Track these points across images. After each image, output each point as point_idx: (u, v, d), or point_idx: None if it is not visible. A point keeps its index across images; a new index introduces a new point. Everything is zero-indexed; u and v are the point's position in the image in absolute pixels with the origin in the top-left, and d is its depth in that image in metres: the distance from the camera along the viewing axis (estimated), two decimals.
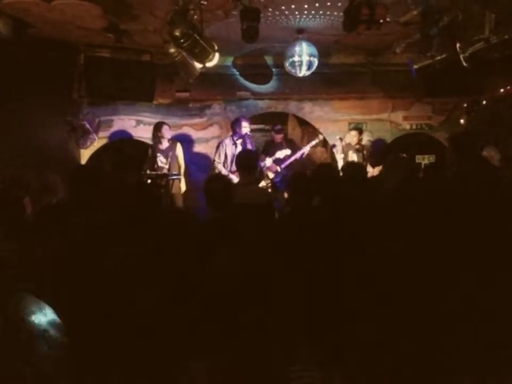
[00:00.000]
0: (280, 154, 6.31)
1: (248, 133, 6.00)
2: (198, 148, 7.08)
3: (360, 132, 6.72)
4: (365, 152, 6.55)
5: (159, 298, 2.19)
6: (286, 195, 5.54)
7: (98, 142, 6.70)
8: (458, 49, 4.62)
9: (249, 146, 5.95)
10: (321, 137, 6.71)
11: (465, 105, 7.17)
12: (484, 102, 6.79)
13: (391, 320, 2.27)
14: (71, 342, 1.73)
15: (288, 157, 6.35)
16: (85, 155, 6.65)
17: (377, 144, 7.02)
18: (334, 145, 6.95)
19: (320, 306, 2.42)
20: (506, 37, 4.15)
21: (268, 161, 6.23)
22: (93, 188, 2.86)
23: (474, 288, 2.26)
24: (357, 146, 6.62)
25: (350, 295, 2.38)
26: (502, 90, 6.41)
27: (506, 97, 6.44)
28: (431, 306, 2.25)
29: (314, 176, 3.32)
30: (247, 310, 2.33)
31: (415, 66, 5.47)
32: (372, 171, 6.28)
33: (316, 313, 2.41)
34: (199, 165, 6.92)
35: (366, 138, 7.01)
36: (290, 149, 6.42)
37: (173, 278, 2.28)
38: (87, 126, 6.42)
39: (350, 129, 6.90)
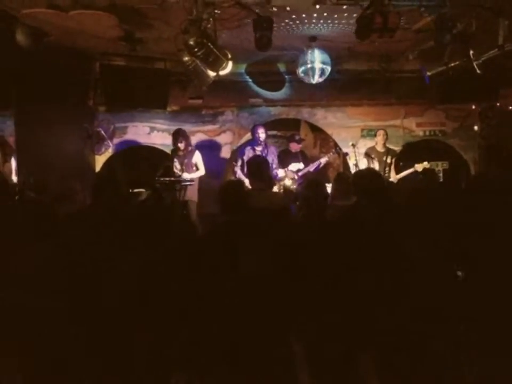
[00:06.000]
0: (293, 167, 6.32)
1: (262, 140, 6.06)
2: (210, 154, 7.11)
3: (386, 133, 6.41)
4: (389, 157, 6.29)
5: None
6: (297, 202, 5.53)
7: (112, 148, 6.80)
8: (472, 56, 4.62)
9: (269, 155, 6.02)
10: (335, 151, 6.71)
11: (479, 111, 7.14)
12: (498, 109, 6.75)
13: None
14: None
15: (301, 170, 6.39)
16: (99, 161, 6.74)
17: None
18: (346, 153, 6.90)
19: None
20: None
21: (280, 172, 6.22)
22: (114, 196, 2.93)
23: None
24: (383, 150, 6.32)
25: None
26: None
27: None
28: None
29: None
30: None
31: (429, 73, 5.48)
32: (394, 177, 6.25)
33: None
34: (211, 171, 6.95)
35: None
36: (304, 163, 6.43)
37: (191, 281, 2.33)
38: (102, 132, 6.53)
39: (376, 131, 6.60)
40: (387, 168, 6.23)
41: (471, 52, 4.62)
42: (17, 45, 4.33)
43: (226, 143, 7.16)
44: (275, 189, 6.15)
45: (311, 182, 3.20)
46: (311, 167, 6.40)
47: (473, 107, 7.11)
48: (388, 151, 6.36)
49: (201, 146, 6.96)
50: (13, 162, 5.98)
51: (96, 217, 2.75)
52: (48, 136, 5.42)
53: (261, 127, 6.14)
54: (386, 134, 6.42)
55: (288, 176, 6.29)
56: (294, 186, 6.15)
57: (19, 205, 2.58)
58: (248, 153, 6.09)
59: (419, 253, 2.34)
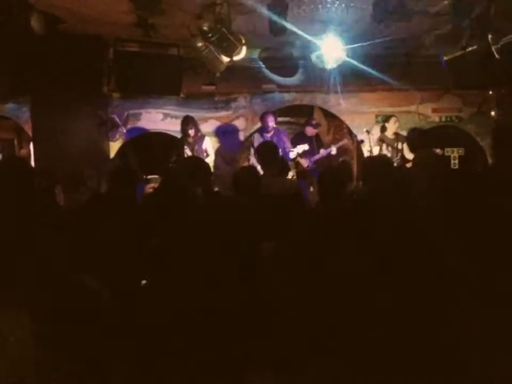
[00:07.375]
0: (299, 149, 6.29)
1: (271, 127, 6.08)
2: (224, 141, 7.12)
3: (397, 120, 6.46)
4: (399, 143, 6.33)
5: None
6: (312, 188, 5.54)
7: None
8: (490, 40, 4.52)
9: (280, 141, 6.04)
10: (346, 140, 6.69)
11: (496, 97, 7.01)
12: None
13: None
14: None
15: (311, 152, 6.37)
16: (113, 148, 6.78)
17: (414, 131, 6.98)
18: (362, 141, 6.83)
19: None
20: None
21: (292, 154, 6.22)
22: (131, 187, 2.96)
23: None
24: (393, 136, 6.38)
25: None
26: None
27: None
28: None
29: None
30: None
31: (445, 58, 5.37)
32: (409, 156, 6.19)
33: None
34: (225, 157, 6.97)
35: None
36: (318, 147, 6.42)
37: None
38: (116, 119, 6.55)
39: (386, 119, 6.57)
40: (399, 154, 6.24)
41: (490, 36, 4.52)
42: (31, 32, 4.35)
43: (240, 129, 7.15)
44: (290, 174, 6.17)
45: (329, 169, 3.19)
46: (323, 153, 6.40)
47: (491, 92, 6.98)
48: (398, 137, 6.39)
49: (214, 133, 6.98)
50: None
51: (113, 203, 2.77)
52: (64, 123, 5.47)
53: (271, 116, 6.17)
54: (397, 121, 6.42)
55: (302, 164, 6.31)
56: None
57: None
58: (257, 140, 6.10)
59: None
